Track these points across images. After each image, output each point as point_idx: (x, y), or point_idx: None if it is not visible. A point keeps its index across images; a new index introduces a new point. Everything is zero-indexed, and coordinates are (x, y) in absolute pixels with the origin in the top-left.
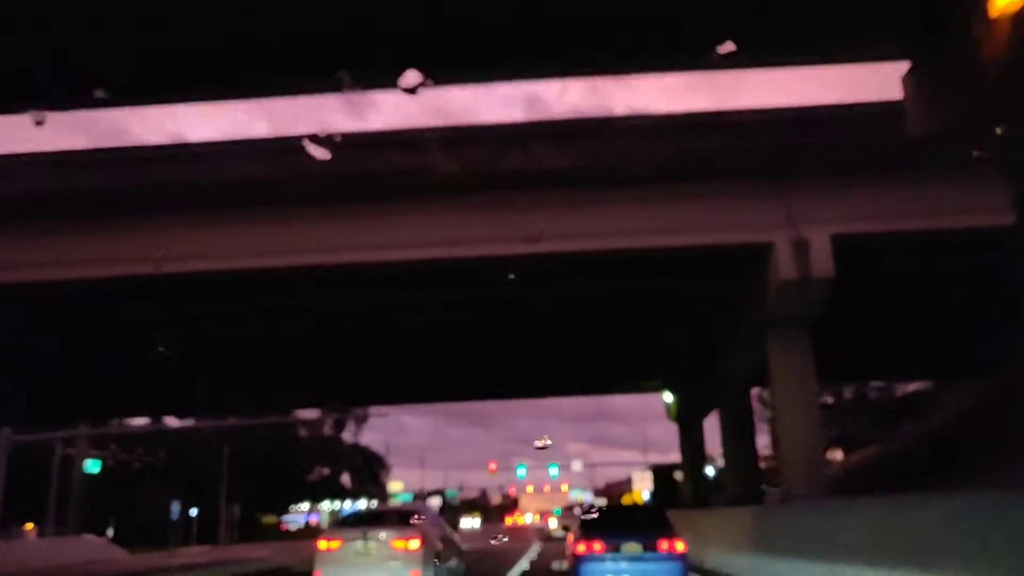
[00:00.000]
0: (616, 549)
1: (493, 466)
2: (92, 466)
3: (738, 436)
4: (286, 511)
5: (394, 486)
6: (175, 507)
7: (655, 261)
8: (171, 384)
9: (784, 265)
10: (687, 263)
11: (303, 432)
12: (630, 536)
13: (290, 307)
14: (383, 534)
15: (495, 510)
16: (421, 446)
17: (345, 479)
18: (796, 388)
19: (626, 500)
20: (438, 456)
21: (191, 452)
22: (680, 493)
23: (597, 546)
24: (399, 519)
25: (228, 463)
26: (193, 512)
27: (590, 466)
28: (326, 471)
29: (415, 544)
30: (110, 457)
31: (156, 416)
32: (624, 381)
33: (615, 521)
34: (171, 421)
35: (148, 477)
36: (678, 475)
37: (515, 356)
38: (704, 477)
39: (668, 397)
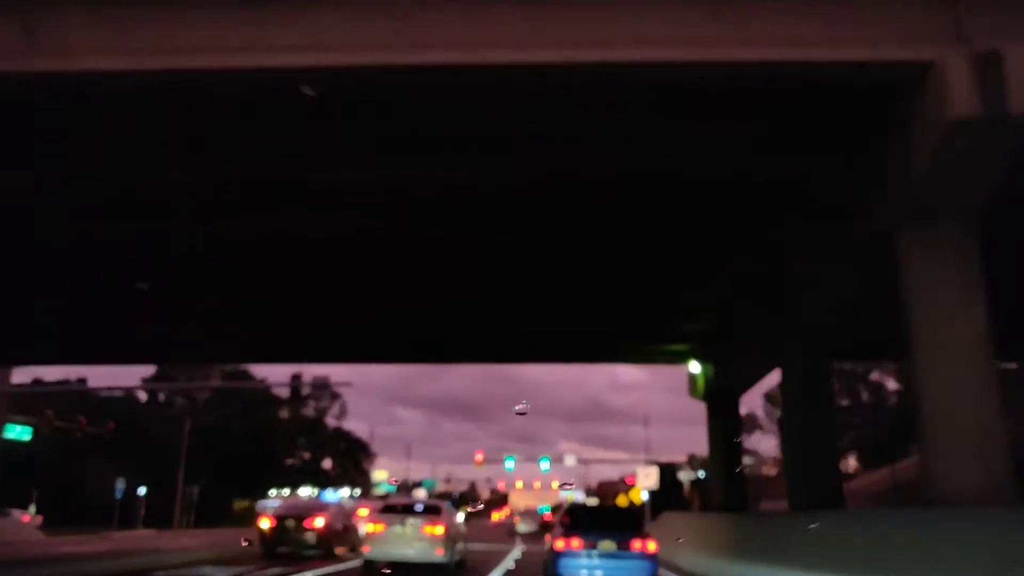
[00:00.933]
0: (592, 546)
1: (479, 456)
2: (19, 433)
3: (808, 410)
4: (265, 495)
5: (378, 475)
6: (120, 485)
7: (708, 108)
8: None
9: (957, 95)
10: (760, 114)
11: (284, 414)
12: (606, 535)
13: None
14: (417, 521)
15: (484, 505)
16: (412, 437)
17: (327, 464)
18: (955, 322)
19: (621, 500)
20: (429, 449)
21: (149, 425)
22: (700, 495)
23: (575, 543)
24: (428, 511)
25: (190, 439)
26: (142, 491)
27: (583, 462)
28: (307, 455)
29: (440, 530)
30: (44, 425)
31: (69, 361)
32: (637, 344)
33: (593, 521)
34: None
35: (93, 450)
36: (683, 475)
37: (486, 298)
38: (738, 472)
39: (695, 367)
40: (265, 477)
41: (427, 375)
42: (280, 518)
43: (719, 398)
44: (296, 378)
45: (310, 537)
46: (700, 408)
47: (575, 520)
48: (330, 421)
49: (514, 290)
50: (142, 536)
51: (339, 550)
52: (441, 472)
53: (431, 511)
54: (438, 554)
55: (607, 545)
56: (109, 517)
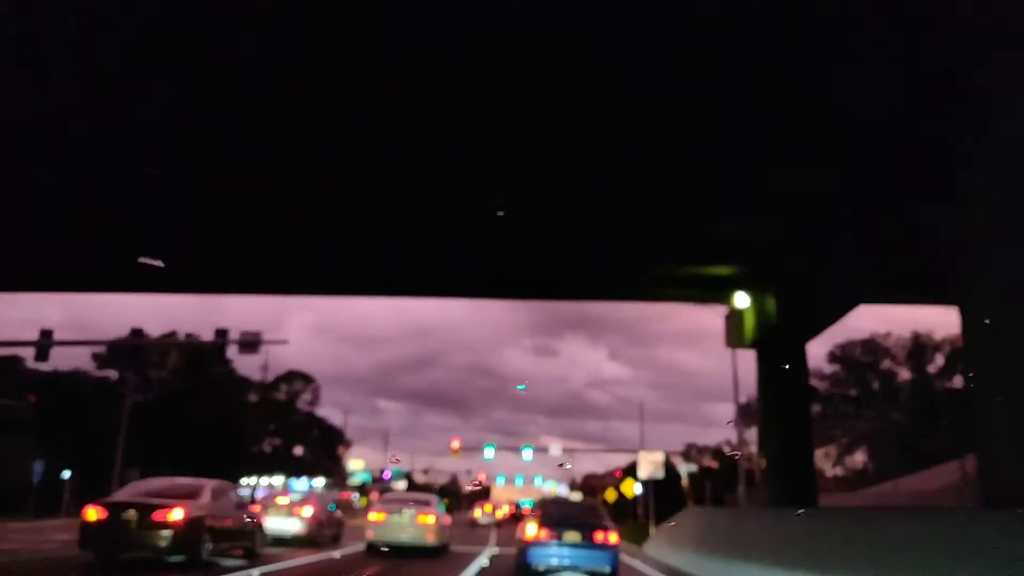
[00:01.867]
0: (559, 538)
1: (456, 444)
2: None
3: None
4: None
5: (354, 464)
6: (38, 468)
7: None
8: None
9: None
10: None
11: (252, 397)
12: (571, 527)
13: None
14: (412, 511)
15: (464, 499)
16: (393, 429)
17: (299, 452)
18: None
19: (610, 495)
20: (411, 441)
21: (92, 402)
22: (712, 487)
23: (543, 534)
24: (420, 503)
25: (140, 420)
26: (67, 475)
27: (569, 452)
28: (277, 442)
29: (432, 519)
30: None
31: None
32: (667, 264)
33: (560, 515)
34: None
35: (11, 427)
36: (682, 468)
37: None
38: (806, 450)
39: (742, 300)
40: (229, 464)
41: (410, 367)
42: (114, 507)
43: (779, 344)
44: (222, 333)
45: (160, 537)
46: (688, 402)
47: (545, 514)
48: (303, 408)
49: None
50: (33, 526)
51: (235, 551)
52: (420, 463)
53: (423, 503)
54: (429, 539)
55: (572, 536)
56: (24, 502)
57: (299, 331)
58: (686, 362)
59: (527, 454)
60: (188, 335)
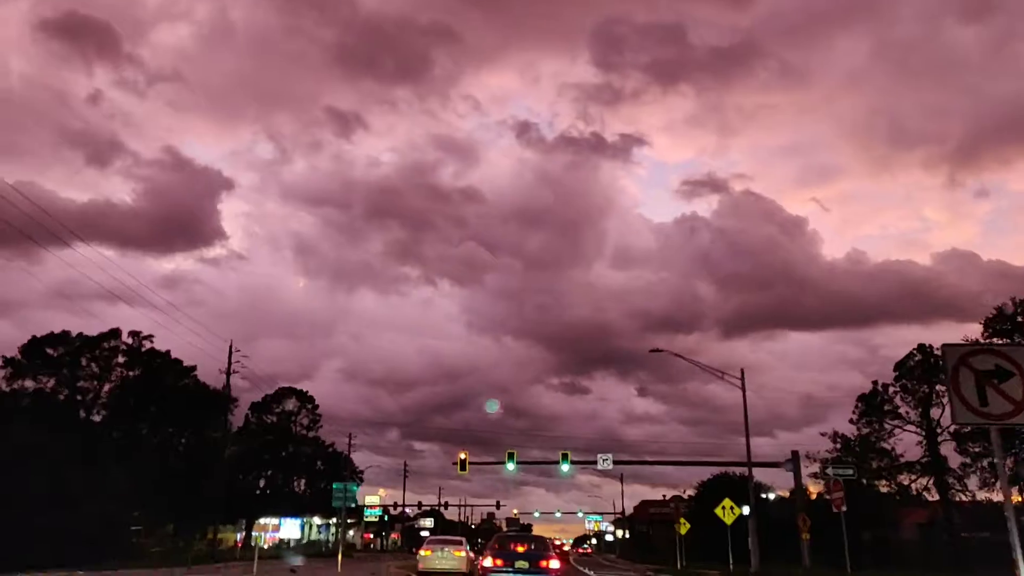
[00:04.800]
0: (511, 566)
1: (463, 455)
2: None
3: None
4: (197, 528)
5: (370, 499)
6: None
7: None
8: None
9: None
10: None
11: (235, 420)
12: (521, 558)
13: None
14: (450, 548)
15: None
16: (414, 465)
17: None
18: None
19: (682, 527)
20: (445, 481)
21: None
22: None
23: (498, 562)
24: (454, 543)
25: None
26: None
27: (619, 463)
28: (268, 474)
29: (463, 554)
30: None
31: None
32: None
33: (512, 547)
34: None
35: None
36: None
37: None
38: None
39: None
40: (205, 503)
41: (441, 408)
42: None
43: None
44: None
45: None
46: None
47: (500, 547)
48: (299, 432)
49: None
50: None
51: None
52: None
53: (456, 543)
54: (463, 568)
55: (521, 564)
56: None
57: (329, 376)
58: (716, 395)
59: (565, 468)
60: (133, 332)
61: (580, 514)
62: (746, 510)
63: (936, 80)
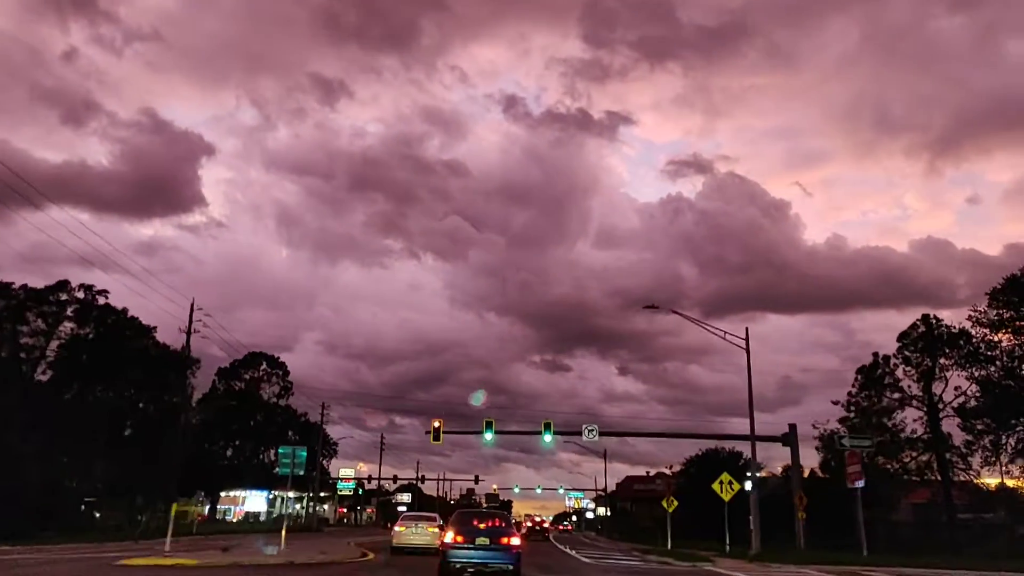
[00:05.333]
0: (472, 542)
1: (436, 423)
2: None
3: None
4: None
5: (344, 472)
6: None
7: None
8: None
9: None
10: None
11: (194, 384)
12: (481, 534)
13: None
14: (424, 524)
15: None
16: (410, 444)
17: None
18: None
19: (669, 504)
20: (426, 456)
21: None
22: None
23: (459, 539)
24: (428, 519)
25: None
26: None
27: (605, 434)
28: (242, 444)
29: (435, 529)
30: None
31: None
32: None
33: (473, 523)
34: None
35: None
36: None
37: None
38: None
39: None
40: (159, 474)
41: (423, 383)
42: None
43: None
44: None
45: None
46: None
47: (461, 523)
48: (270, 400)
49: None
50: None
51: None
52: (432, 476)
53: (430, 519)
54: (435, 542)
55: (482, 540)
56: None
57: (309, 348)
58: (696, 376)
59: (547, 438)
60: (85, 286)
61: (561, 490)
62: (748, 486)
63: (922, 68)
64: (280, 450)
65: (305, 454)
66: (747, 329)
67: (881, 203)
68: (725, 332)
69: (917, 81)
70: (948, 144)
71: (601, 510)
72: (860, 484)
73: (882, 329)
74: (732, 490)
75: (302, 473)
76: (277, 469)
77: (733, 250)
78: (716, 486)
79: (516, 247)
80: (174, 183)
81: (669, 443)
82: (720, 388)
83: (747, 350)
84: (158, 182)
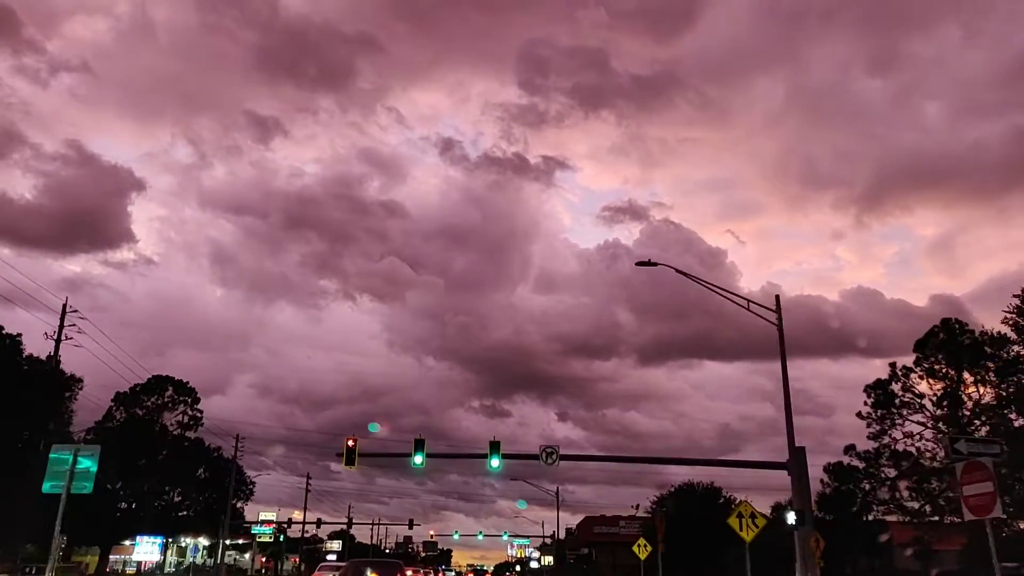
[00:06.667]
0: None
1: (351, 442)
2: None
3: None
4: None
5: (264, 515)
6: None
7: None
8: None
9: None
10: None
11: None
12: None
13: None
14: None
15: (420, 564)
16: (346, 492)
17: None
18: None
19: (640, 551)
20: (363, 504)
21: None
22: None
23: None
24: (379, 566)
25: None
26: None
27: (567, 458)
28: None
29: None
30: None
31: None
32: None
33: (367, 572)
34: None
35: None
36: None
37: None
38: None
39: None
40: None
41: (359, 429)
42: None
43: None
44: None
45: None
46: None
47: (354, 572)
48: (176, 431)
49: None
50: None
51: None
52: (366, 523)
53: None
54: None
55: None
56: None
57: (242, 390)
58: (635, 422)
59: (495, 462)
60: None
61: (505, 536)
62: (791, 518)
63: (845, 126)
64: (51, 455)
65: (94, 465)
66: (777, 297)
67: (813, 254)
68: (750, 301)
69: (841, 139)
70: (872, 200)
71: (547, 559)
72: (996, 513)
73: (818, 376)
74: (755, 527)
75: (88, 490)
76: (46, 483)
77: (669, 296)
78: (733, 521)
79: (455, 290)
80: (101, 218)
81: (609, 490)
82: (658, 435)
83: (779, 326)
84: (84, 217)
